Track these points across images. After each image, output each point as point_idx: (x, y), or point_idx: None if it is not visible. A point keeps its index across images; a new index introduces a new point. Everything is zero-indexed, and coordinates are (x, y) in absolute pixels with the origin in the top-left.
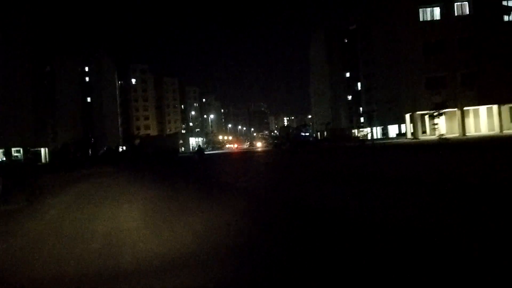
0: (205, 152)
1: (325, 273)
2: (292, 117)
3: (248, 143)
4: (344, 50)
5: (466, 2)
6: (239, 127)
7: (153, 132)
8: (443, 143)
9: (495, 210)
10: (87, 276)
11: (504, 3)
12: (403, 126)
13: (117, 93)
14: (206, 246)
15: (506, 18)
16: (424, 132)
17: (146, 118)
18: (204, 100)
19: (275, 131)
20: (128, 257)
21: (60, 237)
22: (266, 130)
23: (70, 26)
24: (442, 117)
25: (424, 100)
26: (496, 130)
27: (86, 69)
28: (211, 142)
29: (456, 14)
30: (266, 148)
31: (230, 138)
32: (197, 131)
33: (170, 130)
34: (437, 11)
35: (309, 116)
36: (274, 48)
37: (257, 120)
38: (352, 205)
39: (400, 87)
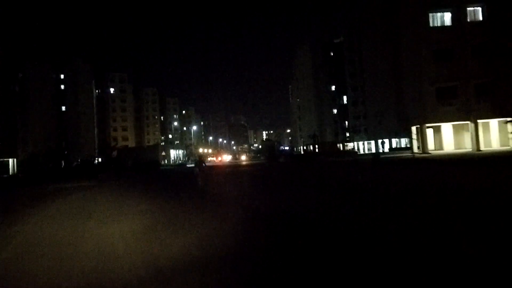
0: (187, 165)
1: None
2: (271, 131)
3: (231, 156)
4: (329, 63)
5: (479, 7)
6: (220, 139)
7: (131, 143)
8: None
9: None
10: None
11: None
12: (394, 140)
13: (94, 102)
14: None
15: None
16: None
17: (124, 129)
18: (184, 112)
19: (254, 145)
20: None
21: None
22: (245, 144)
23: (45, 32)
24: (450, 131)
25: (435, 112)
26: (511, 145)
27: (62, 76)
28: (192, 154)
29: (468, 20)
30: (253, 162)
31: (210, 151)
32: (177, 143)
33: (148, 142)
34: (447, 16)
35: (288, 131)
36: (254, 62)
37: (237, 134)
38: None
39: (405, 98)
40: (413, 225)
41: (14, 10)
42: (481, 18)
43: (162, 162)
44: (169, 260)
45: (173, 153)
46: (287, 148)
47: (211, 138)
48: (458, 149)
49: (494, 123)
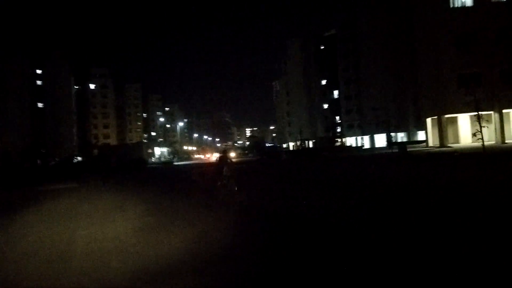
0: (174, 163)
1: None
2: (255, 128)
3: (218, 154)
4: (320, 57)
5: None
6: (205, 137)
7: (112, 141)
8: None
9: None
10: None
11: None
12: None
13: (73, 98)
14: None
15: None
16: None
17: (106, 126)
18: (167, 109)
19: (239, 142)
20: None
21: None
22: (230, 141)
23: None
24: (467, 122)
25: (455, 101)
26: None
27: (39, 71)
28: (178, 152)
29: (492, 0)
30: (247, 159)
31: (195, 148)
32: (160, 140)
33: (131, 140)
34: None
35: (272, 127)
36: (238, 59)
37: (221, 131)
38: None
39: (420, 88)
40: None
41: None
42: None
43: (151, 159)
44: None
45: (157, 150)
46: (271, 144)
47: (196, 135)
48: (475, 142)
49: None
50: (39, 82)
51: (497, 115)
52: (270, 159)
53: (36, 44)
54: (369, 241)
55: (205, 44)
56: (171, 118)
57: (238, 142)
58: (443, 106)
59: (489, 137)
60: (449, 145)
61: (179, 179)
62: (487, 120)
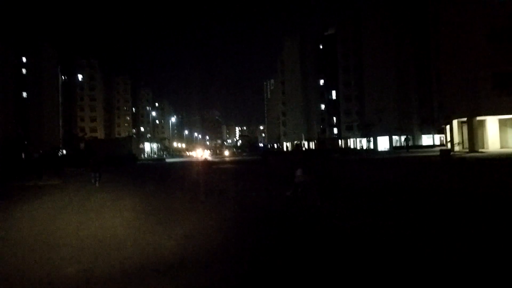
0: (167, 160)
1: None
2: (244, 127)
3: (211, 151)
4: (318, 56)
5: None
6: (195, 134)
7: (100, 135)
8: None
9: None
10: None
11: None
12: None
13: (60, 89)
14: None
15: None
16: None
17: (93, 119)
18: (157, 104)
19: (228, 141)
20: None
21: None
22: (219, 139)
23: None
24: (495, 126)
25: (489, 102)
26: None
27: (23, 59)
28: (169, 149)
29: None
30: (246, 158)
31: (184, 145)
32: (149, 136)
33: (119, 134)
34: None
35: (261, 127)
36: (229, 57)
37: (211, 128)
38: None
39: (446, 87)
40: None
41: None
42: None
43: (143, 156)
44: None
45: (147, 146)
46: (261, 145)
47: (186, 132)
48: (504, 148)
49: None
50: (23, 71)
51: None
52: (274, 159)
53: (21, 31)
54: None
55: (197, 41)
56: (161, 113)
57: (227, 141)
58: (475, 108)
59: None
60: (480, 150)
61: (186, 182)
62: None
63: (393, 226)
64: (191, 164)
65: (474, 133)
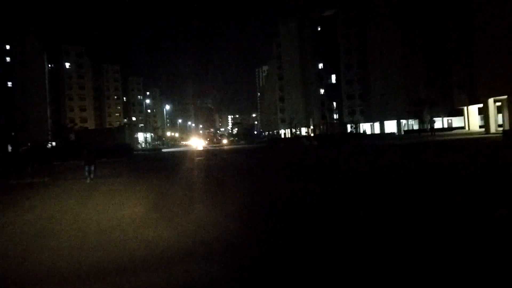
0: (163, 150)
1: None
2: (237, 115)
3: (208, 140)
4: (317, 39)
5: None
6: (189, 123)
7: (90, 125)
8: None
9: None
10: None
11: None
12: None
13: (47, 78)
14: None
15: None
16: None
17: (82, 109)
18: (148, 93)
19: (221, 129)
20: None
21: None
22: (212, 128)
23: None
24: None
25: None
26: None
27: (7, 47)
28: (163, 138)
29: None
30: (251, 146)
31: (177, 134)
32: (141, 126)
33: (110, 124)
34: None
35: (254, 115)
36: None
37: (203, 117)
38: None
39: (479, 62)
40: None
41: None
42: None
43: (140, 146)
44: None
45: (140, 136)
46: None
47: (180, 121)
48: None
49: None
50: (7, 59)
51: None
52: (288, 146)
53: (4, 18)
54: None
55: (188, 27)
56: (153, 102)
57: (220, 129)
58: None
59: None
60: None
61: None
62: None
63: None
64: (192, 155)
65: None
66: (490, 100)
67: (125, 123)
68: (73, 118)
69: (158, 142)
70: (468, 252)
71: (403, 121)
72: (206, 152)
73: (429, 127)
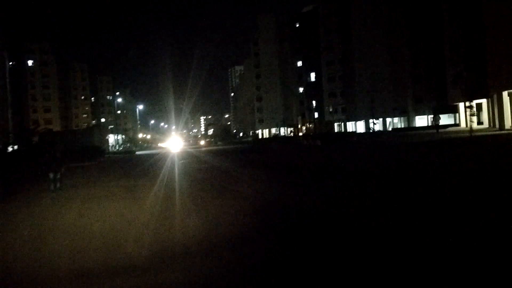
0: (137, 153)
1: None
2: (209, 116)
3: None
4: (295, 35)
5: None
6: (162, 124)
7: (55, 127)
8: None
9: None
10: None
11: None
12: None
13: (7, 76)
14: None
15: None
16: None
17: (47, 110)
18: (118, 93)
19: (194, 130)
20: None
21: None
22: (185, 129)
23: None
24: None
25: None
26: None
27: None
28: (134, 140)
29: None
30: (234, 147)
31: (149, 136)
32: (111, 127)
33: (77, 126)
34: None
35: (226, 116)
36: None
37: (176, 118)
38: None
39: (491, 52)
40: None
41: None
42: None
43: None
44: None
45: (111, 138)
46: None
47: (152, 121)
48: None
49: None
50: None
51: None
52: (283, 147)
53: None
54: None
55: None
56: (123, 103)
57: (193, 130)
58: None
59: None
60: None
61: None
62: None
63: None
64: (171, 158)
65: None
66: (505, 93)
67: (93, 125)
68: (37, 120)
69: (129, 145)
70: None
71: (388, 119)
72: (187, 155)
73: (434, 123)
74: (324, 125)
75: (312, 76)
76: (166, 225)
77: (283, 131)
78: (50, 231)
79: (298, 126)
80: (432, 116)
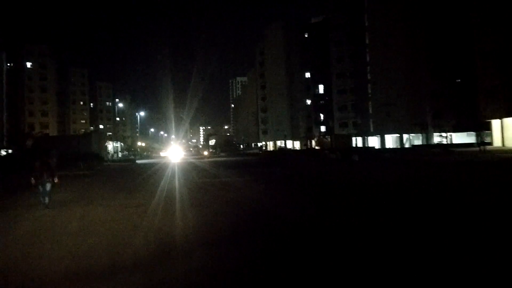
0: (137, 161)
1: None
2: (209, 127)
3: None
4: (304, 46)
5: None
6: (161, 132)
7: (52, 132)
8: None
9: None
10: None
11: None
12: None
13: (4, 78)
14: None
15: None
16: None
17: (44, 114)
18: (117, 100)
19: (193, 140)
20: None
21: None
22: (183, 139)
23: None
24: None
25: None
26: None
27: None
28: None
29: None
30: (232, 159)
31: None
32: (109, 134)
33: (74, 132)
34: None
35: (226, 127)
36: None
37: (175, 127)
38: None
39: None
40: None
41: None
42: None
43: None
44: None
45: (110, 146)
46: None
47: (152, 130)
48: None
49: None
50: None
51: None
52: (305, 160)
53: None
54: None
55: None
56: (123, 110)
57: (192, 140)
58: None
59: None
60: None
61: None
62: None
63: None
64: (176, 169)
65: None
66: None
67: (92, 130)
68: (33, 124)
69: (127, 153)
70: None
71: (405, 135)
72: (192, 166)
73: (479, 140)
74: (341, 138)
75: (321, 88)
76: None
77: (290, 143)
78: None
79: (314, 139)
80: (441, 134)
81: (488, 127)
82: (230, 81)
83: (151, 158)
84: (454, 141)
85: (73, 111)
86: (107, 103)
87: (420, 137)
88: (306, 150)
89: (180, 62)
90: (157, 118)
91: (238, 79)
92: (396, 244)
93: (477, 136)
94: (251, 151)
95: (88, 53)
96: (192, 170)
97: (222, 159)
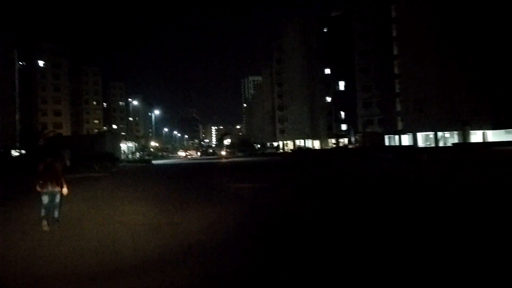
0: (153, 162)
1: None
2: (221, 127)
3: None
4: (324, 41)
5: None
6: (175, 132)
7: (65, 132)
8: None
9: None
10: None
11: None
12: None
13: (16, 77)
14: None
15: None
16: None
17: (57, 113)
18: (130, 99)
19: (205, 140)
20: None
21: None
22: (196, 139)
23: None
24: None
25: None
26: None
27: None
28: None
29: None
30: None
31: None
32: (123, 134)
33: (88, 132)
34: None
35: (238, 127)
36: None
37: (188, 127)
38: None
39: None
40: None
41: None
42: None
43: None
44: None
45: (123, 146)
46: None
47: (166, 129)
48: None
49: None
50: None
51: None
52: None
53: None
54: None
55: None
56: (136, 110)
57: (205, 140)
58: None
59: None
60: None
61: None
62: None
63: None
64: (199, 170)
65: None
66: None
67: (105, 130)
68: (46, 123)
69: (142, 153)
70: None
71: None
72: (213, 167)
73: None
74: (373, 136)
75: (341, 84)
76: None
77: (309, 143)
78: None
79: (350, 138)
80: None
81: None
82: (242, 80)
83: (167, 158)
84: (491, 139)
85: (86, 111)
86: (120, 102)
87: (455, 136)
88: (338, 149)
89: (192, 63)
90: (170, 118)
91: (250, 78)
92: None
93: None
94: (268, 151)
95: (101, 52)
96: (216, 171)
97: (242, 159)
